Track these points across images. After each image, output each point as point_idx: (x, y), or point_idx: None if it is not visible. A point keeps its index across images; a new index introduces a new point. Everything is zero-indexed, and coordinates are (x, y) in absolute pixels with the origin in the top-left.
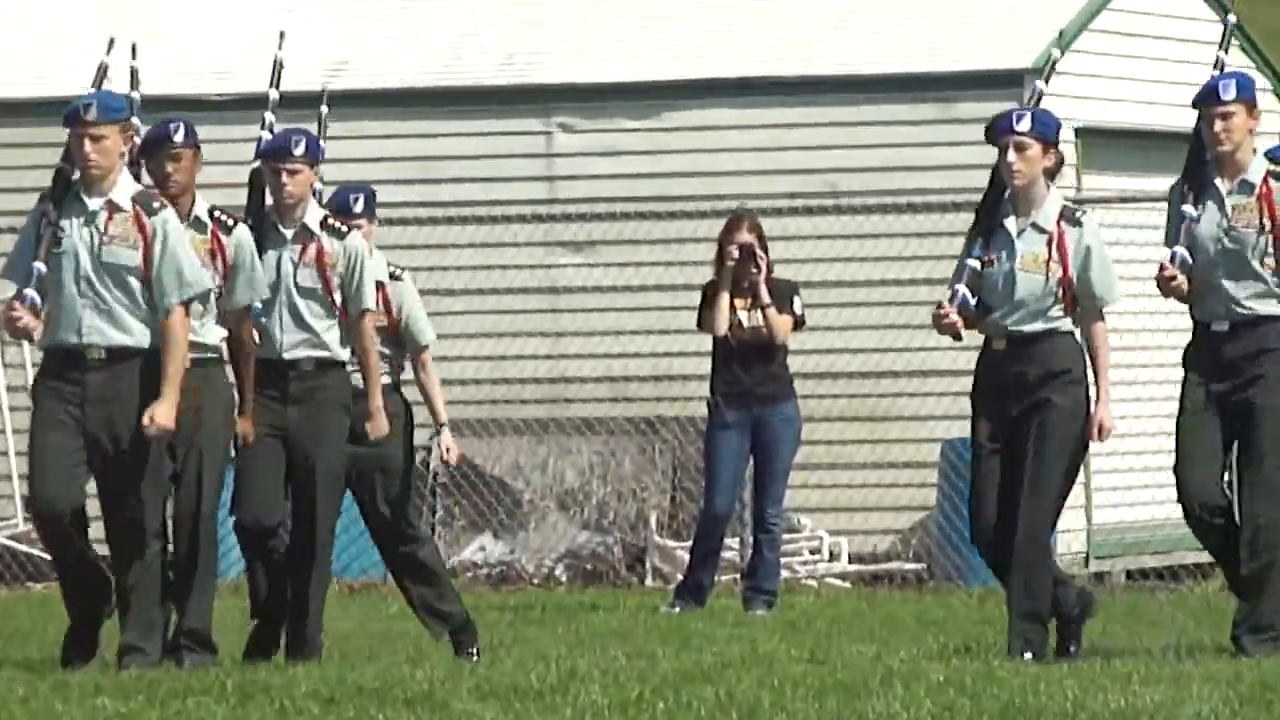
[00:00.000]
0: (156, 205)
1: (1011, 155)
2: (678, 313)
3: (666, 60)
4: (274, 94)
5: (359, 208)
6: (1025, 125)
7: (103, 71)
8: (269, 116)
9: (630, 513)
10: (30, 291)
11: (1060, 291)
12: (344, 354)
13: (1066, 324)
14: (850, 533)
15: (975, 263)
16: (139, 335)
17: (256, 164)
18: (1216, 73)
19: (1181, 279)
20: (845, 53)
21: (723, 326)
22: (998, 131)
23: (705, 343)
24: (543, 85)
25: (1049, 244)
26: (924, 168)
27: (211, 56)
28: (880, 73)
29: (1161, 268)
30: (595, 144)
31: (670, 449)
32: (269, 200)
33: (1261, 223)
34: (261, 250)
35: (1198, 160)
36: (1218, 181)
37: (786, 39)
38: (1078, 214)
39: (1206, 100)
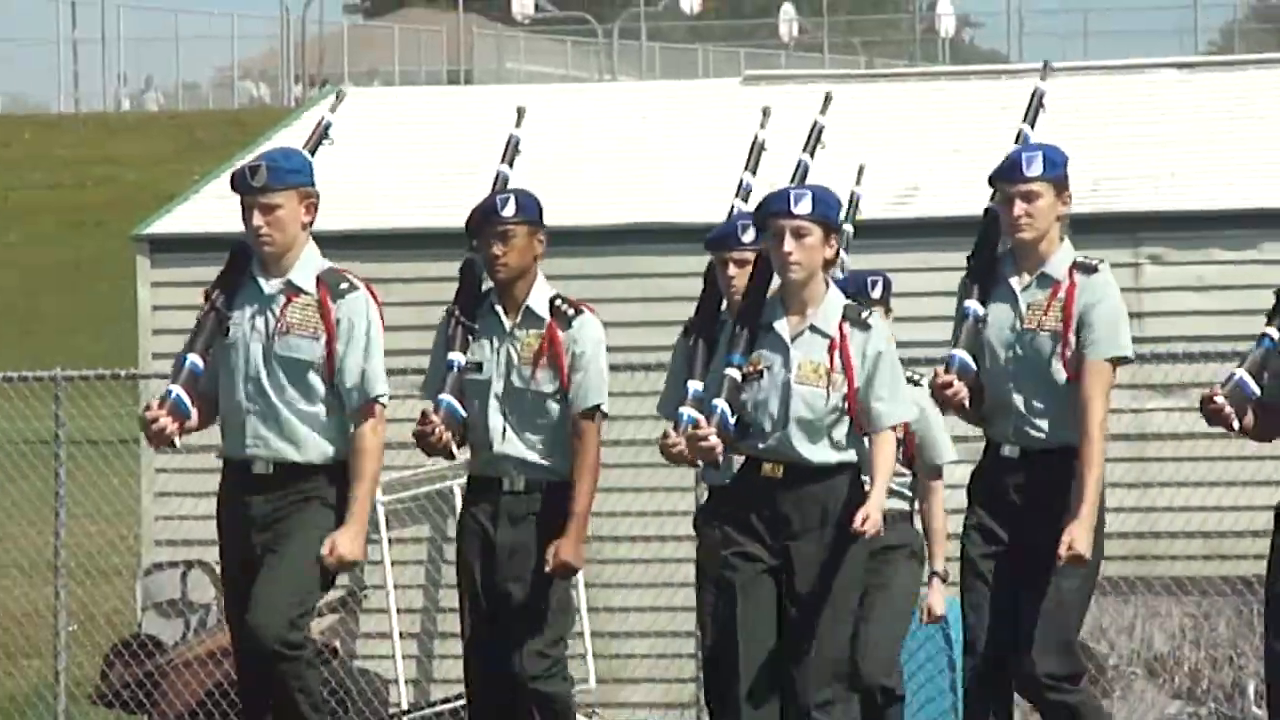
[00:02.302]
0: (345, 287)
1: (789, 243)
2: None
3: (1265, 187)
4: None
5: (876, 292)
6: (805, 207)
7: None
8: None
9: (1226, 681)
10: (175, 389)
11: (843, 408)
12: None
13: (853, 456)
14: None
15: (736, 373)
16: (313, 449)
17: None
18: (1020, 144)
19: (960, 387)
20: None
21: None
22: (770, 214)
23: None
24: (1130, 213)
25: (831, 350)
26: None
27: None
28: None
29: (936, 374)
30: (1187, 277)
31: None
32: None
33: (1049, 324)
34: (712, 351)
35: (989, 247)
36: (1013, 277)
37: None
38: (864, 315)
39: (1006, 176)
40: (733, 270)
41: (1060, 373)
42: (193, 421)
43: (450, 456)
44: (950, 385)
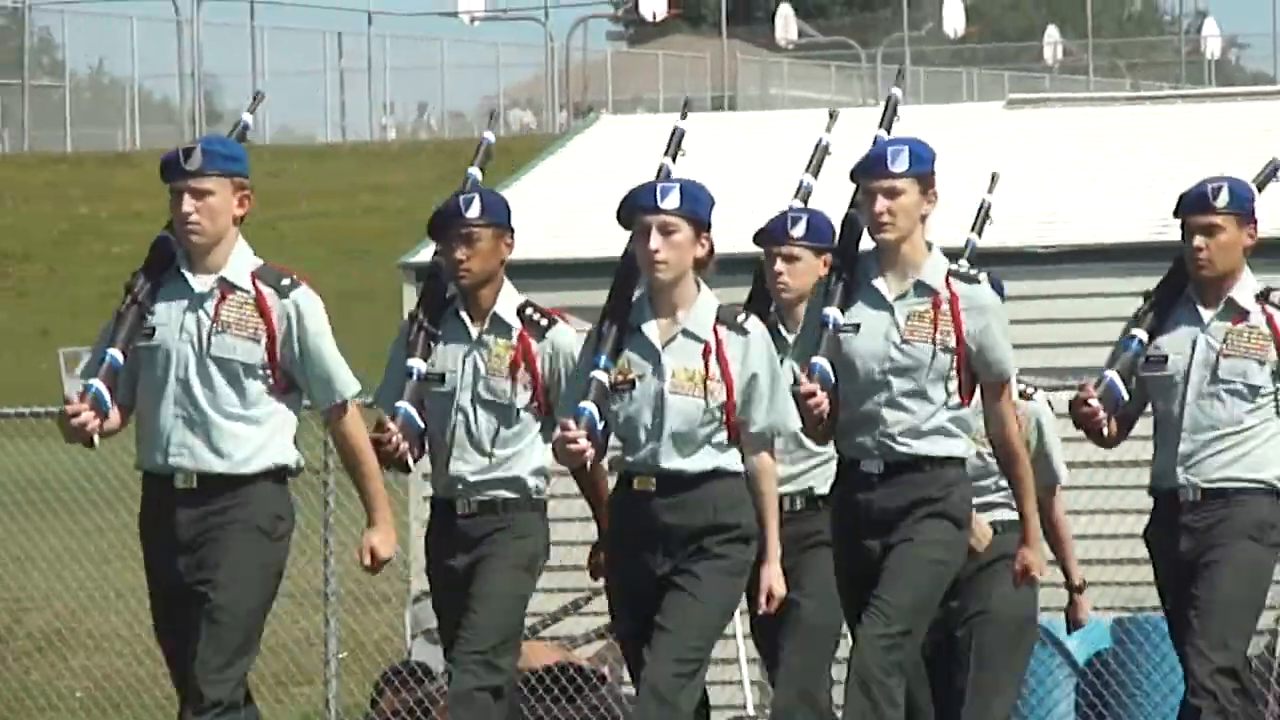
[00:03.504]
0: (287, 283)
1: (655, 240)
2: None
3: None
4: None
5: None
6: (673, 202)
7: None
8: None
9: None
10: (96, 383)
11: (721, 417)
12: None
13: (733, 460)
14: None
15: (603, 376)
16: (242, 459)
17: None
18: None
19: (823, 397)
20: None
21: None
22: (637, 209)
23: None
24: None
25: (705, 355)
26: None
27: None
28: None
29: (799, 382)
30: None
31: None
32: None
33: (937, 338)
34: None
35: (851, 250)
36: (879, 281)
37: None
38: (740, 318)
39: (870, 172)
40: (780, 266)
41: (949, 388)
42: (112, 420)
43: (406, 469)
44: (814, 395)
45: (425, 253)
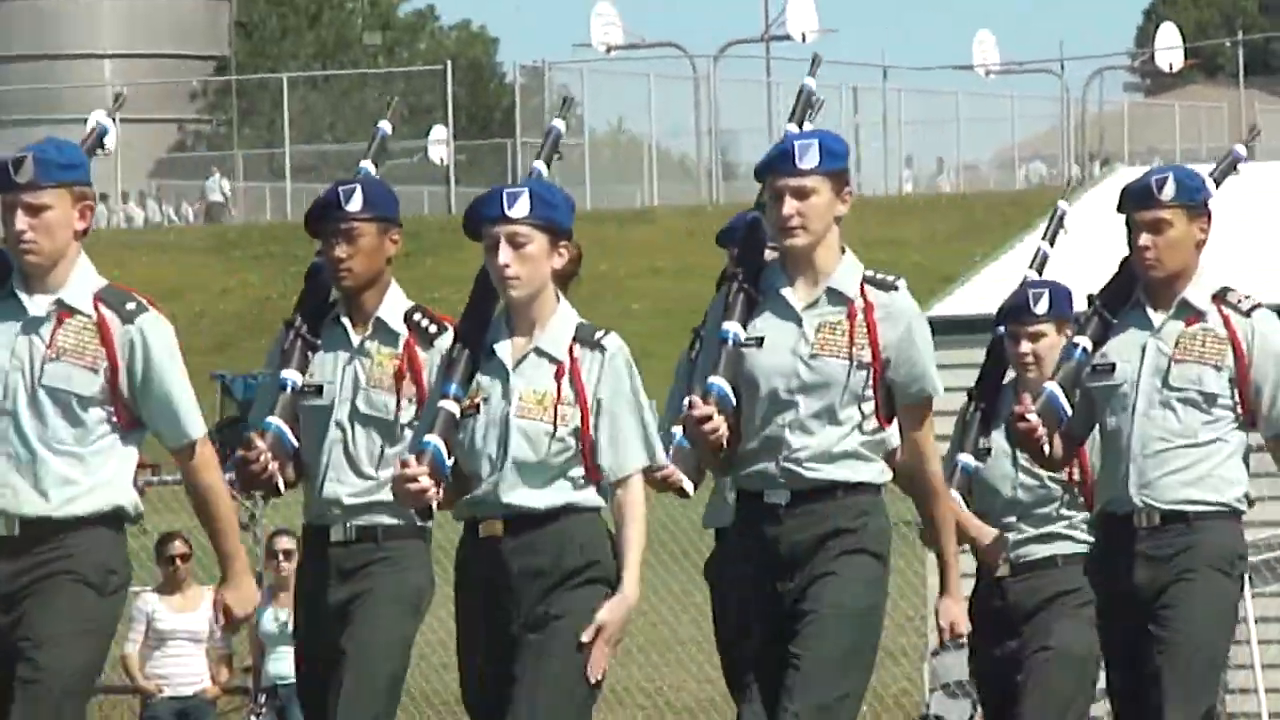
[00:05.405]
0: (133, 307)
1: (505, 253)
2: None
3: None
4: None
5: (1040, 307)
6: (522, 209)
7: None
8: None
9: None
10: None
11: (576, 446)
12: None
13: (590, 497)
14: None
15: (451, 405)
16: (70, 501)
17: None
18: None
19: (719, 422)
20: None
21: None
22: (482, 220)
23: None
24: None
25: (558, 376)
26: None
27: None
28: None
29: (690, 406)
30: None
31: None
32: None
33: (852, 352)
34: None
35: (753, 255)
36: (787, 290)
37: None
38: (598, 335)
39: (776, 168)
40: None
41: (864, 409)
42: None
43: (276, 492)
44: (709, 419)
45: (939, 306)
